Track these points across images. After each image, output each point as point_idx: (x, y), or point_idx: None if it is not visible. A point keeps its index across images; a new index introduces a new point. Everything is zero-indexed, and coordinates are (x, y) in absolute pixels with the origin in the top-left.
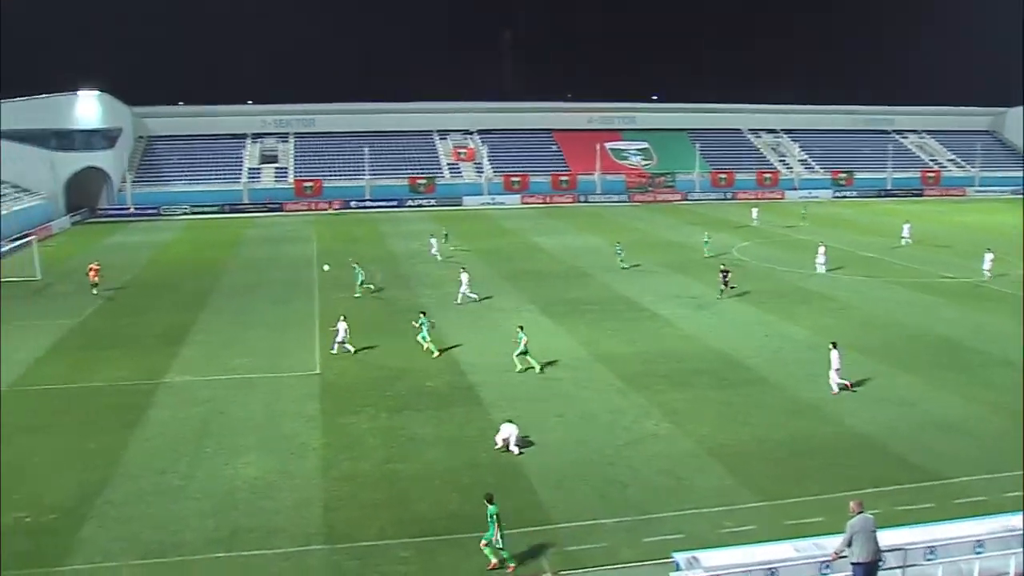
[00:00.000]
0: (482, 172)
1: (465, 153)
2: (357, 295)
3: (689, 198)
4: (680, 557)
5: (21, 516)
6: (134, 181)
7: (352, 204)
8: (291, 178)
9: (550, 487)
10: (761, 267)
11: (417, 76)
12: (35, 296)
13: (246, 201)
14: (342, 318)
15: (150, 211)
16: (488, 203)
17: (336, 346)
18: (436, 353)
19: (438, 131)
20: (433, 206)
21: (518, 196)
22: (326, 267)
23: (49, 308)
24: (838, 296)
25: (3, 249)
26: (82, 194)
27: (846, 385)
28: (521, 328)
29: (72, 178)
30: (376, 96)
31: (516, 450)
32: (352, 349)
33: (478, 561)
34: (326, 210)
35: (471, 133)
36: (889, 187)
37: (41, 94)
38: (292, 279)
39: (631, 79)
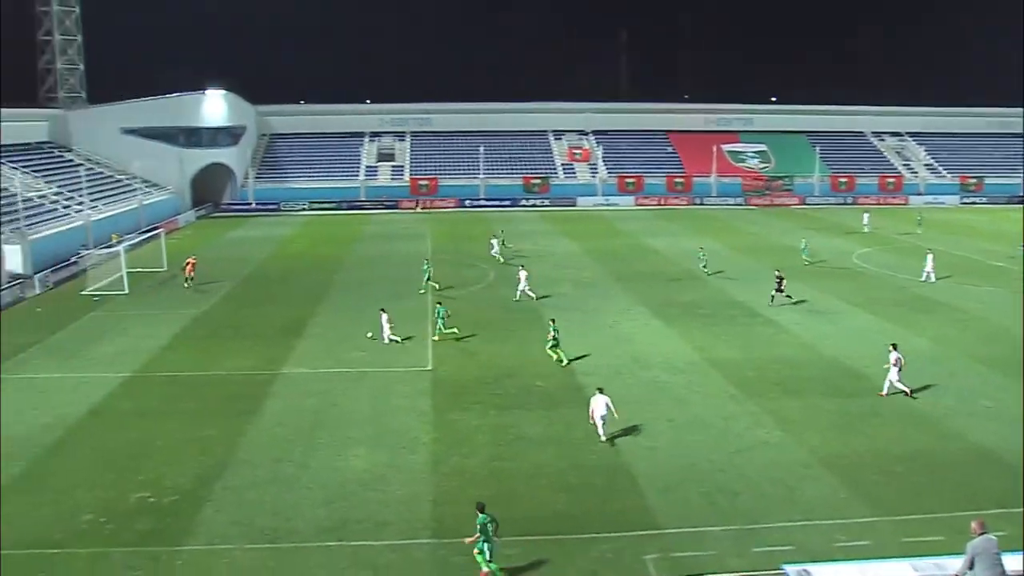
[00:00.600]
0: (596, 173)
1: (580, 153)
2: (421, 291)
3: (807, 202)
4: (791, 569)
5: (145, 496)
6: (256, 177)
7: (466, 203)
8: (407, 176)
9: (658, 491)
10: (880, 274)
11: (533, 76)
12: (161, 286)
13: (363, 198)
14: (382, 311)
15: (271, 206)
16: (602, 204)
17: (386, 338)
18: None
19: (553, 131)
20: (547, 206)
21: (632, 197)
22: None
23: (174, 298)
24: (961, 306)
25: (134, 240)
26: (207, 189)
27: (905, 391)
28: (553, 321)
29: (198, 174)
30: (492, 96)
31: (602, 428)
32: (399, 339)
33: (582, 562)
34: (441, 208)
35: (586, 134)
36: (1022, 193)
37: (172, 94)
38: (406, 276)
39: (749, 80)
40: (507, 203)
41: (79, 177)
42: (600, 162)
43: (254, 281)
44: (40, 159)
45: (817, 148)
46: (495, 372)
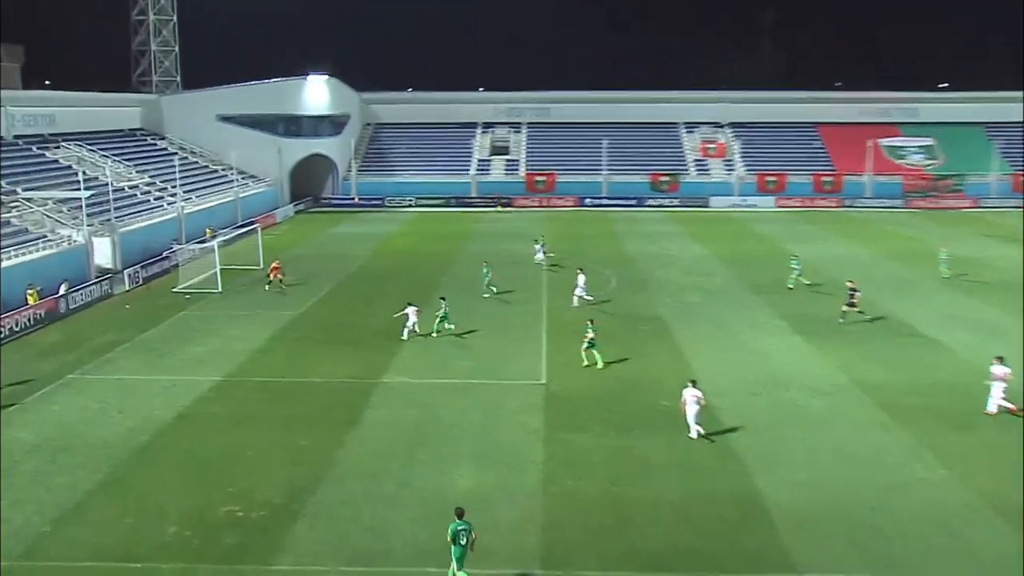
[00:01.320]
0: (733, 170)
1: (714, 148)
2: (485, 295)
3: (981, 205)
4: None
5: (233, 510)
6: (359, 170)
7: (586, 201)
8: (522, 171)
9: (794, 528)
10: None
11: (662, 62)
12: (255, 285)
13: (474, 194)
14: (409, 304)
15: (374, 202)
16: (738, 205)
17: (406, 332)
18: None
19: (685, 124)
20: (676, 206)
21: (772, 198)
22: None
23: (268, 298)
24: None
25: (228, 236)
26: (307, 182)
27: (1010, 408)
28: (591, 321)
29: (298, 165)
30: (616, 84)
31: (694, 427)
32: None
33: None
34: (559, 207)
35: (722, 126)
36: None
37: (271, 79)
38: (518, 278)
39: (913, 64)
40: (631, 202)
41: (172, 167)
42: (737, 158)
43: (355, 281)
44: (132, 146)
45: (995, 142)
46: (615, 389)
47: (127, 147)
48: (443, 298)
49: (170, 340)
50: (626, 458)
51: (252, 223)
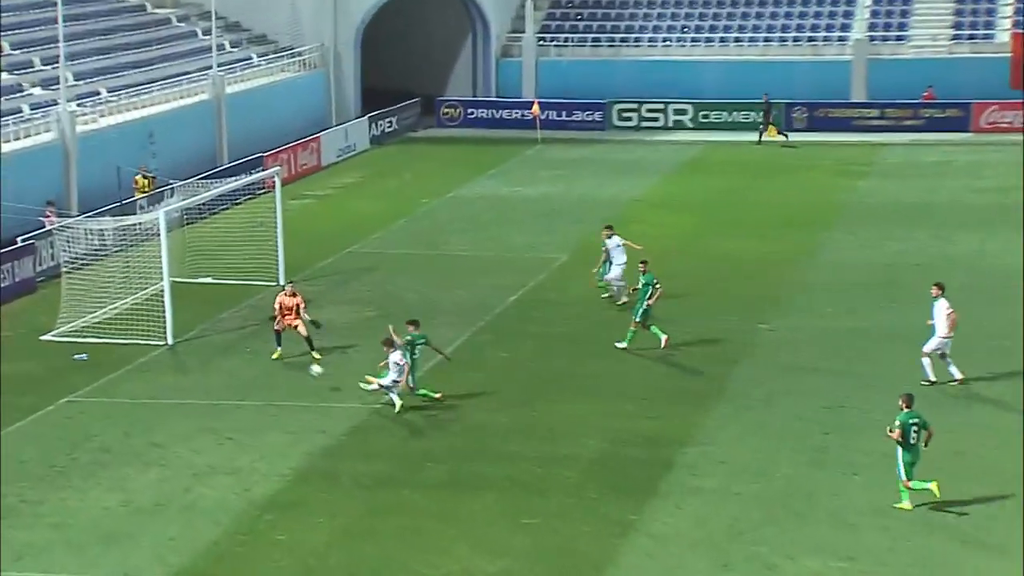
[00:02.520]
0: None
1: None
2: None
3: None
4: None
5: None
6: (542, 38)
7: None
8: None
9: None
10: None
11: None
12: (255, 333)
13: (862, 94)
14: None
15: (581, 114)
16: None
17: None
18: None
19: None
20: None
21: None
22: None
23: (287, 375)
24: None
25: (198, 197)
26: (404, 65)
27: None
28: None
29: (379, 20)
30: None
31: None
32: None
33: None
34: None
35: None
36: None
37: None
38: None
39: None
40: None
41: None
42: None
43: (528, 329)
44: None
45: None
46: None
47: None
48: (413, 335)
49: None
50: None
51: (260, 164)
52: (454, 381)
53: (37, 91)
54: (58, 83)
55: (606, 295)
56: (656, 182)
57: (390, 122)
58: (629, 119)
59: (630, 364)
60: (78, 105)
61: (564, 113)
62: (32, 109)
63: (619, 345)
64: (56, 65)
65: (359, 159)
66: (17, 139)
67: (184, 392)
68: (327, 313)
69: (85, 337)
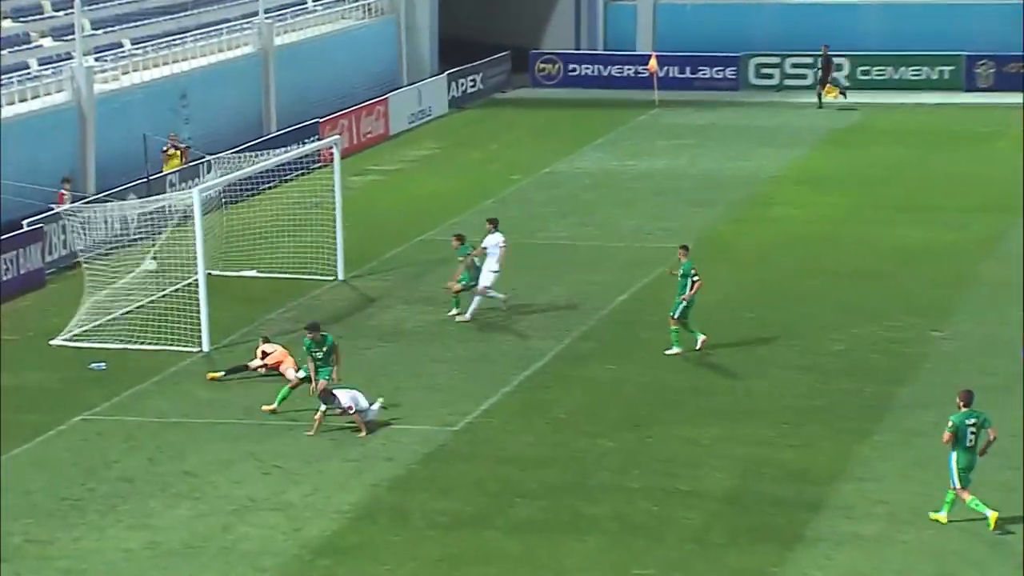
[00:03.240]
0: None
1: None
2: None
3: None
4: None
5: None
6: None
7: None
8: None
9: None
10: None
11: None
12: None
13: None
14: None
15: (710, 71)
16: None
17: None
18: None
19: None
20: None
21: None
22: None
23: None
24: None
25: (239, 171)
26: (490, 10)
27: None
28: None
29: None
30: None
31: None
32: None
33: None
34: None
35: None
36: None
37: None
38: None
39: None
40: None
41: None
42: None
43: (637, 333)
44: None
45: None
46: None
47: None
48: (316, 340)
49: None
50: None
51: (315, 132)
52: (549, 399)
53: (47, 42)
54: (72, 32)
55: (456, 312)
56: (802, 155)
57: (473, 81)
58: (769, 76)
59: (768, 378)
60: (96, 59)
61: (688, 69)
62: (41, 64)
63: (670, 352)
64: (70, 10)
65: (435, 126)
66: (23, 101)
67: (222, 409)
68: (395, 314)
69: (103, 342)
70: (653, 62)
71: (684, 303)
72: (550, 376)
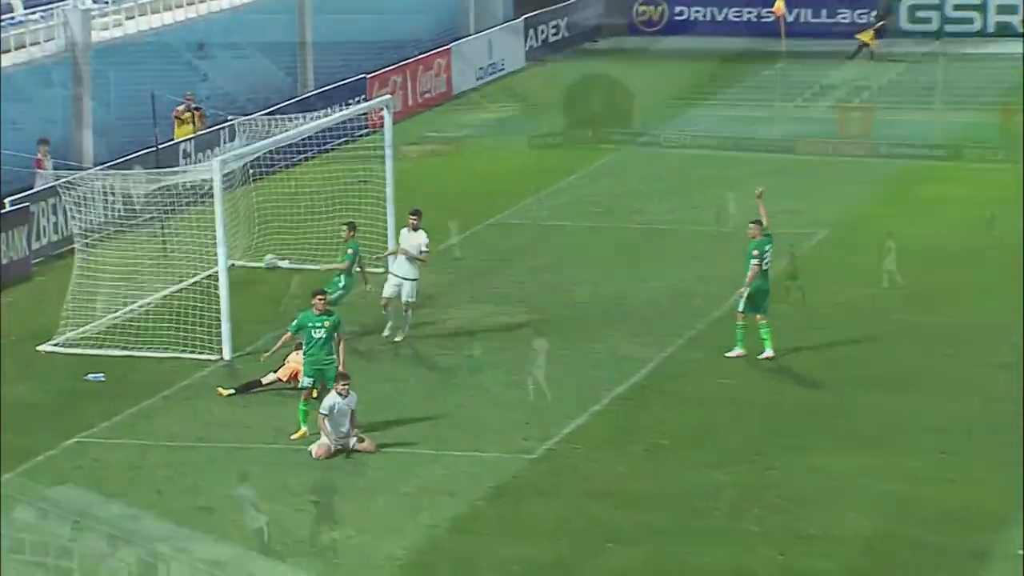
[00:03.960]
0: None
1: None
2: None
3: None
4: None
5: None
6: None
7: None
8: None
9: None
10: None
11: None
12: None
13: None
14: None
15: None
16: None
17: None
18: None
19: None
20: None
21: None
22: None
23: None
24: None
25: (271, 138)
26: None
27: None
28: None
29: None
30: None
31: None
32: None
33: None
34: None
35: None
36: None
37: None
38: None
39: None
40: None
41: None
42: None
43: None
44: None
45: None
46: None
47: None
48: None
49: None
50: None
51: (362, 90)
52: (648, 422)
53: None
54: None
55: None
56: (969, 119)
57: (556, 28)
58: (926, 21)
59: (920, 396)
60: (94, 1)
61: (824, 12)
62: (27, 7)
63: (731, 354)
64: None
65: (509, 83)
66: (6, 52)
67: (245, 431)
68: (460, 314)
69: (102, 347)
70: (780, 3)
71: (741, 296)
72: (650, 393)
